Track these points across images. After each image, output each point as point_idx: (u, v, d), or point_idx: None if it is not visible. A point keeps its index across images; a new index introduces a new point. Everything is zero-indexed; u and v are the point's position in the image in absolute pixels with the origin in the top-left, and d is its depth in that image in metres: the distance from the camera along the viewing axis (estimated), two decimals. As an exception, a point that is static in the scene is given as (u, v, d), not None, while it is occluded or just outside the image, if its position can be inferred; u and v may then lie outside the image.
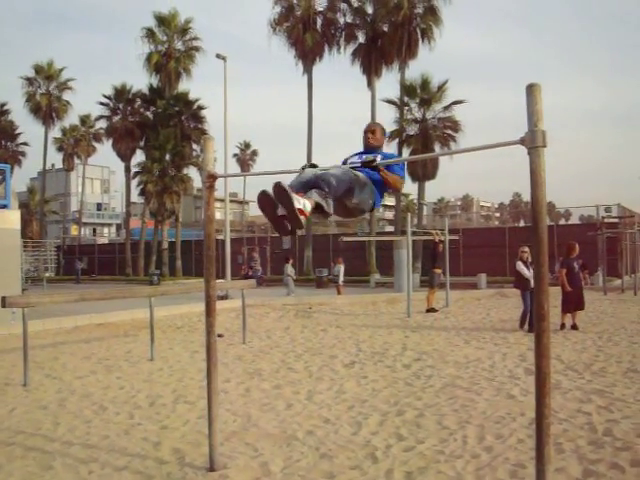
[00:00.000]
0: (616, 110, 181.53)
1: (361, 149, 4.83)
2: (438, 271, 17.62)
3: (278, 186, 3.73)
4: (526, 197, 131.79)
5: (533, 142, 3.37)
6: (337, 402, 6.96)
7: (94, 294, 11.15)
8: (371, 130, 4.83)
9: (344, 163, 4.61)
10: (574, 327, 12.71)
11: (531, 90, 3.41)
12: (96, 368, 9.60)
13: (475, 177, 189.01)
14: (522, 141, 3.45)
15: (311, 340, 12.14)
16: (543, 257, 3.42)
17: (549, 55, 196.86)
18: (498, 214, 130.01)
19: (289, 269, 24.84)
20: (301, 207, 3.76)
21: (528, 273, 12.85)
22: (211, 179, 4.72)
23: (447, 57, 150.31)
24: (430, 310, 16.86)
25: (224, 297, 20.35)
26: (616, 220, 29.38)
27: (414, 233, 22.80)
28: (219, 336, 12.68)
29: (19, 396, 7.81)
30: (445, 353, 10.19)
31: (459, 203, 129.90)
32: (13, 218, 15.83)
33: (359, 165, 4.36)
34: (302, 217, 3.77)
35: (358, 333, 12.97)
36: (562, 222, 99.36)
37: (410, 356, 9.97)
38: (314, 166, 4.29)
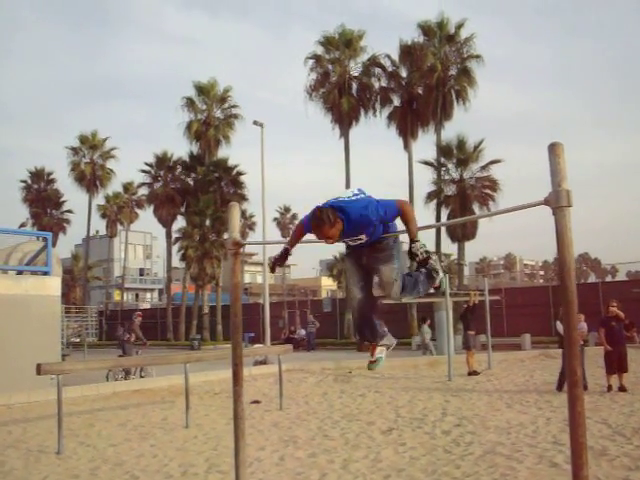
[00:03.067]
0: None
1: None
2: (472, 333, 17.29)
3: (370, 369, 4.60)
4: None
5: (557, 202, 3.28)
6: (373, 471, 6.76)
7: (130, 360, 11.16)
8: (323, 238, 4.07)
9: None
10: (622, 389, 12.25)
11: (553, 149, 3.34)
12: (131, 436, 9.53)
13: (517, 235, 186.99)
14: (546, 201, 3.36)
15: (349, 406, 11.90)
16: (572, 320, 3.29)
17: (587, 111, 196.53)
18: (542, 272, 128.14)
19: (426, 329, 24.87)
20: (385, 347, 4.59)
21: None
22: (236, 246, 4.70)
23: (483, 116, 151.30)
24: (472, 373, 16.45)
25: (263, 362, 20.19)
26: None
27: (454, 294, 22.54)
28: (256, 402, 12.56)
29: (52, 464, 7.77)
30: (486, 418, 9.88)
31: (502, 262, 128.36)
32: (54, 285, 16.10)
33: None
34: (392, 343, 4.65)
35: (397, 398, 12.69)
36: (609, 279, 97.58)
37: (450, 421, 9.68)
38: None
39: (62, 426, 8.57)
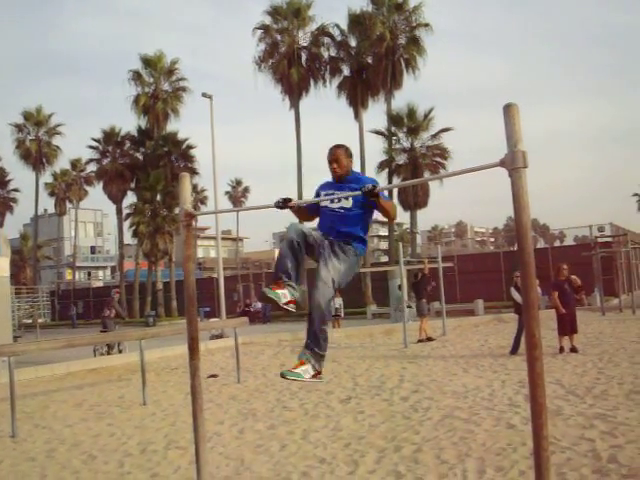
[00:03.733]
0: (615, 130, 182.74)
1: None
2: (424, 300, 17.39)
3: (263, 296, 3.91)
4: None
5: (513, 163, 3.26)
6: (333, 440, 6.77)
7: (82, 340, 10.95)
8: (334, 159, 4.34)
9: (316, 195, 4.45)
10: (573, 350, 12.52)
11: (508, 110, 3.30)
12: (87, 415, 9.39)
13: (468, 203, 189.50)
14: (502, 163, 3.33)
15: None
16: (531, 281, 3.30)
17: (541, 78, 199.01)
18: (493, 239, 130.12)
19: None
20: (288, 300, 3.93)
21: (520, 298, 12.72)
22: (188, 217, 4.58)
23: (434, 85, 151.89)
24: (426, 339, 16.63)
25: (219, 336, 20.10)
26: (610, 239, 29.36)
27: (407, 262, 22.72)
28: (213, 376, 12.50)
29: (7, 448, 7.61)
30: (443, 383, 9.99)
31: (453, 230, 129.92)
32: (1, 265, 15.69)
33: (359, 198, 4.20)
34: (292, 305, 3.95)
35: (355, 367, 12.76)
36: (557, 244, 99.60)
37: (408, 388, 9.77)
38: (288, 200, 4.19)
39: (15, 409, 8.38)
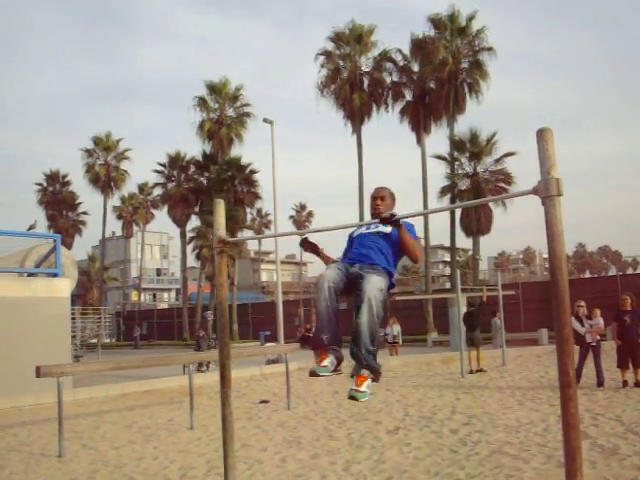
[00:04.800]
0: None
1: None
2: (477, 332, 16.97)
3: (314, 375, 3.85)
4: (591, 247, 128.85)
5: (547, 191, 3.08)
6: (374, 473, 6.58)
7: (131, 362, 11.05)
8: (380, 196, 4.31)
9: (350, 240, 4.34)
10: (637, 384, 11.96)
11: (542, 135, 3.13)
12: (135, 437, 9.42)
13: (536, 229, 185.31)
14: (535, 191, 3.16)
15: (357, 405, 11.69)
16: (565, 316, 3.09)
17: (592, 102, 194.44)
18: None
19: (497, 322, 24.63)
20: (335, 367, 3.89)
21: (582, 329, 12.29)
22: (221, 244, 4.53)
23: (496, 109, 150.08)
24: (477, 371, 16.16)
25: (275, 361, 20.05)
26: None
27: (467, 290, 22.31)
28: (264, 402, 12.44)
29: (52, 468, 7.68)
30: (496, 416, 9.65)
31: (521, 256, 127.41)
32: (63, 286, 16.05)
33: (374, 229, 4.16)
34: (339, 369, 3.94)
35: (407, 396, 12.48)
36: (630, 271, 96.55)
37: (459, 420, 9.47)
38: (306, 241, 4.28)
39: (63, 428, 8.49)
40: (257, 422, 10.29)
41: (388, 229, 4.15)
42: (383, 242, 4.14)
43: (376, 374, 3.85)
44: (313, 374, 3.84)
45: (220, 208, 4.67)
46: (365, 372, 3.79)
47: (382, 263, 4.06)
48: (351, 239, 4.35)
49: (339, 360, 3.89)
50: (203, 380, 14.99)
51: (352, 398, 3.78)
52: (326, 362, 3.83)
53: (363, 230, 4.30)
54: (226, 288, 4.65)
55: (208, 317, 19.61)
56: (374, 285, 3.84)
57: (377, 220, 4.04)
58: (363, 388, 3.76)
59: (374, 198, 4.33)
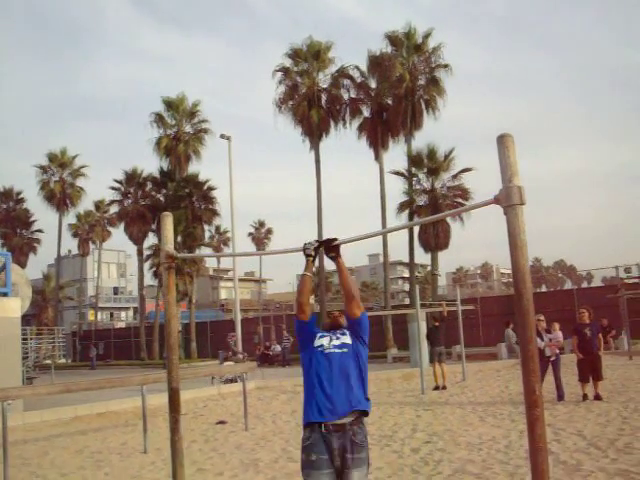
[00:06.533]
0: (633, 170, 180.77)
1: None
2: (439, 347, 16.73)
3: None
4: (547, 262, 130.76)
5: (508, 200, 2.94)
6: (334, 496, 6.32)
7: (80, 384, 10.63)
8: (342, 314, 4.27)
9: (314, 341, 4.15)
10: (597, 397, 11.95)
11: (502, 141, 2.99)
12: (85, 463, 9.04)
13: (493, 244, 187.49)
14: (497, 200, 3.02)
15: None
16: (529, 332, 2.95)
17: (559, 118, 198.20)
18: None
19: (510, 333, 24.37)
20: None
21: (541, 343, 12.26)
22: (169, 259, 4.30)
23: (455, 125, 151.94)
24: (435, 388, 15.94)
25: (233, 380, 19.68)
26: (637, 280, 28.52)
27: (426, 305, 22.25)
28: (221, 422, 12.11)
29: (-5, 500, 7.27)
30: (457, 433, 9.50)
31: (479, 271, 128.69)
32: (13, 306, 15.54)
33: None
34: None
35: (368, 413, 12.25)
36: (585, 285, 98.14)
37: (420, 438, 9.29)
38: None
39: (8, 455, 8.07)
40: (214, 444, 9.97)
41: (349, 339, 4.05)
42: (353, 364, 4.02)
43: None
44: None
45: (168, 222, 4.45)
46: None
47: (362, 399, 4.04)
48: (315, 347, 4.09)
49: None
50: (160, 401, 14.56)
51: None
52: None
53: (326, 343, 4.06)
54: (174, 306, 4.41)
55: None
56: None
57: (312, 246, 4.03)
58: None
59: (337, 315, 4.30)
